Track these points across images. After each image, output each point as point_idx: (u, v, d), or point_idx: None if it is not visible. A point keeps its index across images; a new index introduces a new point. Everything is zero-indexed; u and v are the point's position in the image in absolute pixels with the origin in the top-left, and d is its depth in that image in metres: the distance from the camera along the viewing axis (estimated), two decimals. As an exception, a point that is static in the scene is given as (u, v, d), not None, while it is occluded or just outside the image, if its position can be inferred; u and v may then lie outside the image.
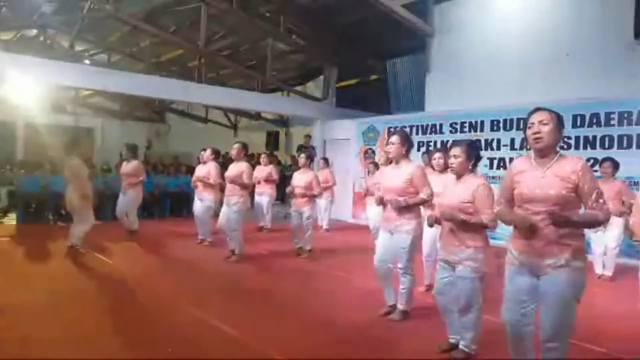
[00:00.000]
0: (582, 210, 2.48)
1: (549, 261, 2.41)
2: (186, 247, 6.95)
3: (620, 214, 5.31)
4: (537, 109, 2.52)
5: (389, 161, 4.15)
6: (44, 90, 10.65)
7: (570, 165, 2.42)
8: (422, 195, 3.80)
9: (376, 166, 7.11)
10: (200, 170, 7.07)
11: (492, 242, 3.20)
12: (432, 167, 4.60)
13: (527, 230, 2.46)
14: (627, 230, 5.05)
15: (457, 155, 3.12)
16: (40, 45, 12.59)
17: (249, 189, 6.04)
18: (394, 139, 3.89)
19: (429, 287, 4.76)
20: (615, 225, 5.44)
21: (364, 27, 11.01)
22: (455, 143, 3.23)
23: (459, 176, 3.15)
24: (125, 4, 9.97)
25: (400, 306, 3.94)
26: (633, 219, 3.53)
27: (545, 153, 2.48)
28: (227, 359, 3.17)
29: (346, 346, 3.45)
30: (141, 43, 12.83)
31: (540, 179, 2.45)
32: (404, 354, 3.34)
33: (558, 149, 2.51)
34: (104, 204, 9.55)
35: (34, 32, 12.83)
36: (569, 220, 2.39)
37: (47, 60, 8.81)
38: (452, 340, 3.23)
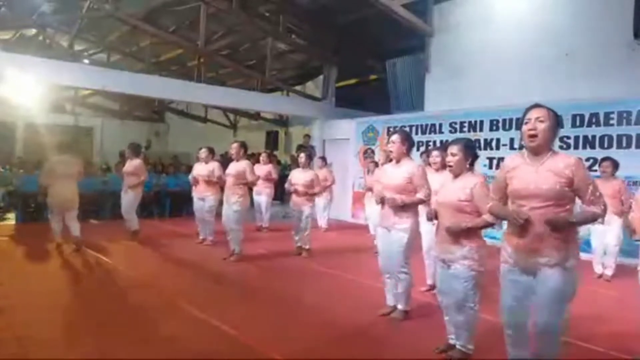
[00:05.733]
0: (577, 207, 2.49)
1: (542, 259, 2.42)
2: (186, 247, 6.95)
3: (620, 213, 5.32)
4: (535, 106, 2.53)
5: (389, 160, 4.15)
6: (43, 90, 10.64)
7: (563, 161, 2.44)
8: (420, 195, 3.80)
9: (376, 165, 7.11)
10: (201, 169, 7.06)
11: (488, 241, 3.20)
12: (430, 165, 4.61)
13: (521, 225, 2.46)
14: (627, 227, 5.08)
15: (454, 154, 3.13)
16: (40, 45, 12.59)
17: (255, 185, 6.02)
18: (395, 138, 3.91)
19: (431, 287, 4.76)
20: (616, 225, 5.45)
21: (363, 27, 11.01)
22: (453, 142, 3.24)
23: (457, 174, 3.16)
24: (124, 3, 9.96)
25: (400, 306, 3.95)
26: (632, 214, 3.54)
27: (539, 151, 2.49)
28: (227, 359, 3.17)
29: (346, 346, 3.45)
30: (141, 43, 12.83)
31: (534, 175, 2.46)
32: (403, 354, 3.34)
33: (553, 147, 2.51)
34: (103, 204, 9.57)
35: (33, 31, 12.82)
36: (567, 223, 2.41)
37: (46, 60, 8.80)
38: (451, 341, 3.24)
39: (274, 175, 8.73)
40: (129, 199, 7.17)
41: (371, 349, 3.39)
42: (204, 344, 3.36)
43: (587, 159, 6.88)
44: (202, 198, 6.98)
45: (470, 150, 3.15)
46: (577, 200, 2.50)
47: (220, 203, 6.49)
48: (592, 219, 2.49)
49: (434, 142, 9.01)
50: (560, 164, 2.42)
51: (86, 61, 13.46)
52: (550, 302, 2.41)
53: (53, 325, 3.61)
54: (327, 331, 3.73)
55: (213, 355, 3.20)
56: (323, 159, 9.23)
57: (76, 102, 16.49)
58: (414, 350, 3.37)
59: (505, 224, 2.70)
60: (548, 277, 2.41)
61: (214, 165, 6.92)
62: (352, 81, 13.24)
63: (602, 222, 5.35)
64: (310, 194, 6.41)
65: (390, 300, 4.04)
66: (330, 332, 3.70)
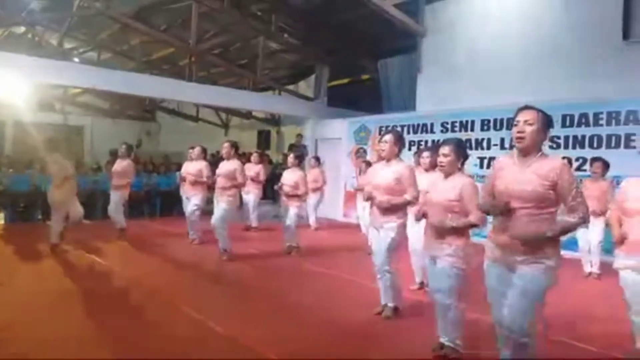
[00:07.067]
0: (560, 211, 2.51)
1: (519, 257, 2.46)
2: (179, 247, 6.91)
3: (604, 212, 5.41)
4: (525, 107, 2.55)
5: (380, 159, 4.18)
6: (32, 88, 10.53)
7: (549, 164, 2.46)
8: (407, 197, 3.83)
9: (368, 165, 7.14)
10: (190, 167, 7.06)
11: (477, 239, 3.23)
12: (419, 165, 4.64)
13: (502, 210, 2.52)
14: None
15: (446, 154, 3.16)
16: (29, 43, 12.44)
17: (243, 186, 6.09)
18: (387, 137, 3.94)
19: (422, 285, 4.79)
20: (598, 223, 5.51)
21: (355, 27, 11.02)
22: (444, 142, 3.27)
23: (448, 174, 3.18)
24: (115, 1, 9.88)
25: (389, 304, 3.97)
26: (610, 212, 3.61)
27: (527, 152, 2.52)
28: (223, 359, 3.17)
29: (340, 345, 3.46)
30: (131, 41, 12.73)
31: (518, 176, 2.50)
32: (400, 353, 3.35)
33: (542, 148, 2.54)
34: (95, 203, 9.50)
35: (22, 29, 12.65)
36: (544, 237, 2.41)
37: (36, 58, 8.71)
38: (441, 339, 3.26)
39: (262, 177, 8.68)
40: (115, 199, 7.16)
41: (369, 349, 3.40)
42: (201, 345, 3.35)
43: (577, 159, 6.97)
44: (188, 198, 7.01)
45: (462, 151, 3.19)
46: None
47: (209, 202, 6.48)
48: (570, 229, 2.49)
49: (426, 142, 9.05)
50: (546, 167, 2.44)
51: (76, 59, 13.31)
52: (518, 299, 2.44)
53: (48, 326, 3.58)
54: (324, 331, 3.74)
55: (210, 356, 3.20)
56: (316, 158, 9.21)
57: (66, 100, 16.31)
58: (409, 349, 3.39)
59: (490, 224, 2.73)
60: (522, 274, 2.45)
61: (201, 165, 6.95)
62: (345, 81, 13.24)
63: (587, 227, 5.46)
64: (293, 195, 6.46)
65: (383, 299, 4.06)
66: (328, 332, 3.71)
